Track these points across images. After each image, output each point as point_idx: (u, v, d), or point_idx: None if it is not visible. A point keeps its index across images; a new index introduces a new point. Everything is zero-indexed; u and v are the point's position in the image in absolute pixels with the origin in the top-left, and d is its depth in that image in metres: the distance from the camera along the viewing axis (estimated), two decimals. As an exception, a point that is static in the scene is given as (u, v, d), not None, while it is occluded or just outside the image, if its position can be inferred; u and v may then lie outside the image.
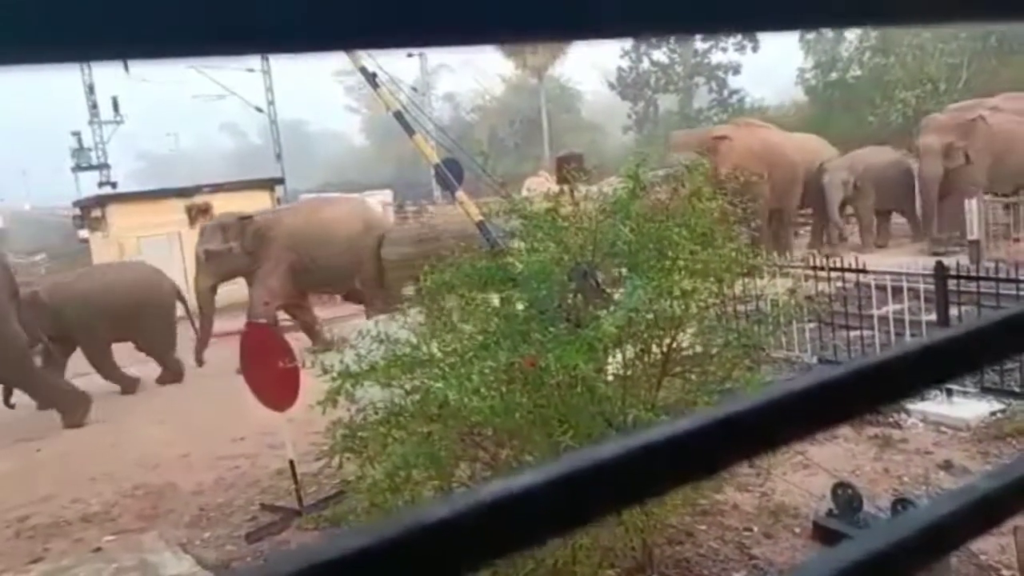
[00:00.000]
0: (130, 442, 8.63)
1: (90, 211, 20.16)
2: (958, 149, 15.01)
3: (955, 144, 15.00)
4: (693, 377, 4.59)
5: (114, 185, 26.39)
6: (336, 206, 14.03)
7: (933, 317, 8.19)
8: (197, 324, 12.44)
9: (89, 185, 26.71)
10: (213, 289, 12.70)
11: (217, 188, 19.85)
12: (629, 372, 4.36)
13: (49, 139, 31.45)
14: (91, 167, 28.12)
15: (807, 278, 8.64)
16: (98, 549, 6.08)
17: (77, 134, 28.43)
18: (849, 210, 16.90)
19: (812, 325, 8.34)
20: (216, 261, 12.51)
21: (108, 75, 26.80)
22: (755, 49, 35.53)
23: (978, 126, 15.14)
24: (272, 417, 6.17)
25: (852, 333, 8.60)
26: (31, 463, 8.44)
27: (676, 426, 0.48)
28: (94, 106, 27.92)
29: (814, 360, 8.42)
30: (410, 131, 11.77)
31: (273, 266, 12.56)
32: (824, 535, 5.07)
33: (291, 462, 6.13)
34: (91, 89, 27.61)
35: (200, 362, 11.90)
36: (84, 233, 20.71)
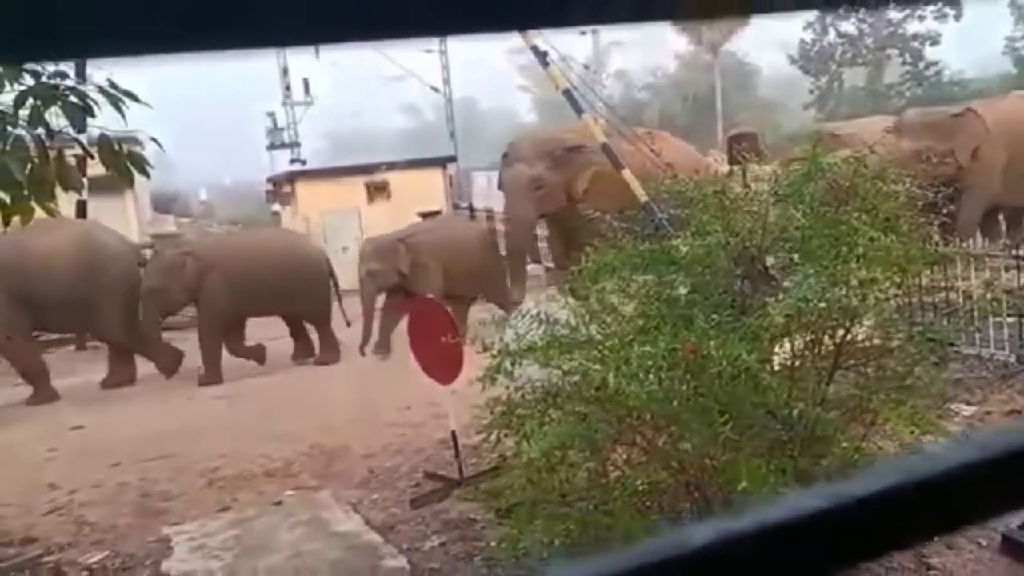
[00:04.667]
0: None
1: (281, 186, 21.63)
2: (942, 153, 11.64)
3: (934, 147, 11.64)
4: (869, 372, 4.30)
5: (303, 162, 28.13)
6: (55, 234, 11.01)
7: None
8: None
9: (281, 161, 28.65)
10: None
11: (392, 166, 20.67)
12: (797, 363, 4.15)
13: (247, 118, 33.93)
14: (284, 145, 30.15)
15: (1007, 268, 7.89)
16: (279, 502, 6.57)
17: (272, 114, 30.55)
18: None
19: (1011, 320, 7.60)
20: None
21: (300, 58, 28.48)
22: (957, 17, 32.58)
23: (967, 122, 12.11)
24: (436, 389, 6.42)
25: (1060, 331, 7.76)
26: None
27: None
28: (287, 88, 29.87)
29: (1012, 358, 7.67)
30: (578, 110, 11.74)
31: None
32: (1015, 551, 4.62)
33: (453, 433, 6.33)
34: (285, 72, 29.52)
35: None
36: (276, 207, 22.25)
